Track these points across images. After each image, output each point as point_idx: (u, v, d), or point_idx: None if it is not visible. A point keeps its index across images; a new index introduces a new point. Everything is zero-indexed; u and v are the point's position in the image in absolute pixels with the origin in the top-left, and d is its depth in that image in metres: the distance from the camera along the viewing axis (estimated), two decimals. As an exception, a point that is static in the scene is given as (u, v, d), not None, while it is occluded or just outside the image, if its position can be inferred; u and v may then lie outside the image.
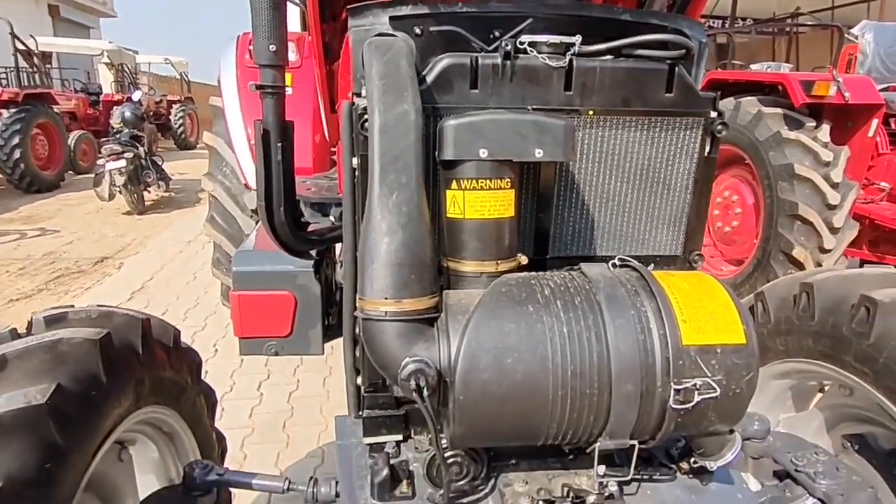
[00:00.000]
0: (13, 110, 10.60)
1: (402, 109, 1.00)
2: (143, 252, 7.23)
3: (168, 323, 1.84)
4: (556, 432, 0.98)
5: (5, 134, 10.25)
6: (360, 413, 1.44)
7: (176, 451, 1.95)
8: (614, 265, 1.09)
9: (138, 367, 1.54)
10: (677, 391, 0.93)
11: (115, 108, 11.68)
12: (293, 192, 2.00)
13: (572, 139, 1.05)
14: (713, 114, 1.27)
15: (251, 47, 1.85)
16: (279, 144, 1.88)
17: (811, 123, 4.24)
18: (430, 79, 1.14)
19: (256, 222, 3.62)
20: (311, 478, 1.80)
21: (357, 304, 1.05)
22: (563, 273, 1.08)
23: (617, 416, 0.95)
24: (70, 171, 12.43)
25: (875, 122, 4.22)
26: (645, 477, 1.14)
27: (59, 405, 1.18)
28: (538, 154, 1.02)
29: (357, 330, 1.37)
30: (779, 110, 4.34)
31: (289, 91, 3.53)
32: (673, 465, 1.24)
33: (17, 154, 10.33)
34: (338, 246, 2.72)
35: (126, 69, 17.17)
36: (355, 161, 1.22)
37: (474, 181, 1.03)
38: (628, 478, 1.06)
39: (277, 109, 1.85)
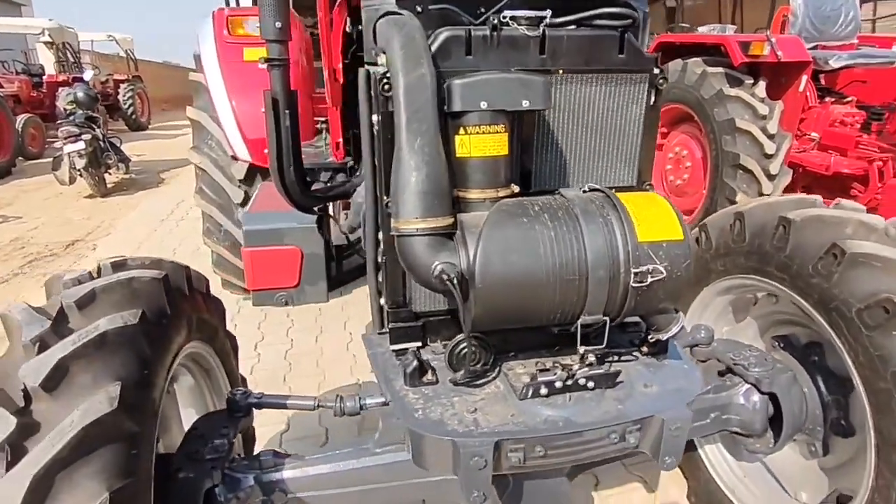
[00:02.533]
0: (-45, 95, 10.18)
1: (420, 73, 1.28)
2: (115, 233, 7.25)
3: (200, 273, 2.10)
4: (549, 312, 1.31)
5: (-50, 120, 9.87)
6: (384, 328, 1.76)
7: (211, 385, 2.23)
8: (584, 191, 1.42)
9: (186, 304, 1.80)
10: (636, 275, 1.27)
11: (60, 89, 11.32)
12: (300, 155, 2.26)
13: (549, 92, 1.36)
14: (656, 70, 1.60)
15: (258, 24, 2.07)
16: (287, 112, 2.13)
17: (749, 81, 4.68)
18: (433, 48, 1.42)
19: (246, 193, 3.83)
20: (338, 395, 2.12)
21: (392, 226, 1.35)
22: (547, 197, 1.40)
23: (593, 296, 1.29)
24: (20, 157, 12.04)
25: (804, 78, 4.68)
26: (615, 355, 1.50)
27: (146, 327, 1.46)
28: (525, 104, 1.33)
29: (379, 257, 1.67)
30: (721, 69, 4.76)
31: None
32: (634, 348, 1.60)
33: (-36, 141, 9.99)
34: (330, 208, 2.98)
35: (69, 48, 16.48)
36: (375, 118, 1.50)
37: (477, 127, 1.34)
38: (602, 348, 1.41)
39: (284, 80, 2.10)
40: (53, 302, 1.44)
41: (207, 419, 1.96)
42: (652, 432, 1.42)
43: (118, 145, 9.93)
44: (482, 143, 1.34)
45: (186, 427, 1.98)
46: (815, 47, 5.11)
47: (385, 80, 1.40)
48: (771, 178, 4.47)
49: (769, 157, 4.45)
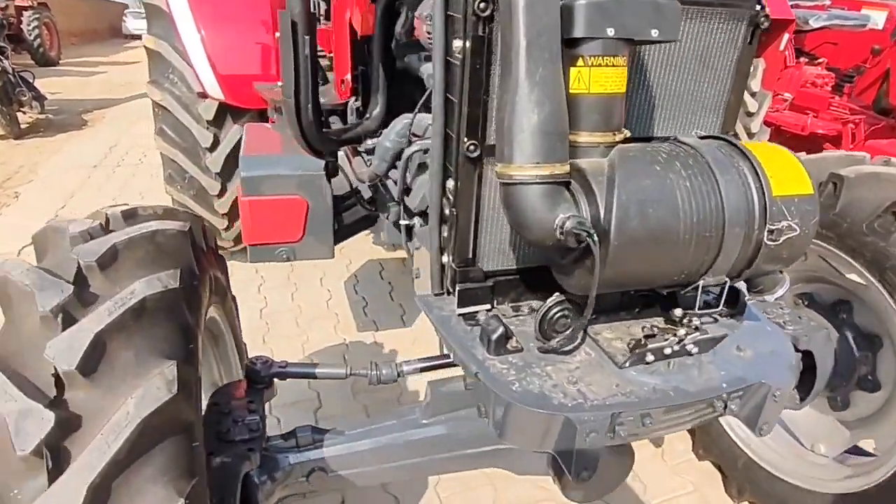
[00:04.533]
0: None
1: (545, -7, 1.06)
2: (38, 180, 6.46)
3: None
4: (678, 271, 1.17)
5: None
6: (443, 289, 1.57)
7: (219, 354, 1.97)
8: (699, 138, 1.27)
9: (206, 262, 1.53)
10: (770, 231, 1.15)
11: (-52, 18, 9.81)
12: (318, 92, 1.96)
13: (680, 21, 1.18)
14: (758, 7, 1.44)
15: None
16: (306, 37, 1.82)
17: (732, 37, 4.64)
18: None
19: (215, 135, 3.42)
20: (372, 362, 1.92)
21: (498, 171, 1.14)
22: (664, 144, 1.24)
23: (725, 254, 1.16)
24: None
25: (786, 37, 4.69)
26: (714, 315, 1.39)
27: (184, 291, 1.20)
28: (654, 34, 1.14)
29: (446, 210, 1.46)
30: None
31: None
32: (714, 309, 1.51)
33: None
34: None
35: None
36: (458, 43, 1.27)
37: (600, 58, 1.13)
38: (718, 310, 1.30)
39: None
40: (62, 260, 1.15)
41: (225, 393, 1.73)
42: (755, 399, 1.35)
43: (31, 81, 8.79)
44: (602, 78, 1.15)
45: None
46: (794, 6, 5.14)
47: (482, -2, 1.17)
48: (751, 136, 4.51)
49: (751, 115, 4.47)
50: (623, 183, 1.09)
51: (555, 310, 1.33)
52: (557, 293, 1.34)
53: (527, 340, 1.39)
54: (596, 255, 1.05)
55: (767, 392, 1.33)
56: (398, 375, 1.87)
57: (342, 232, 2.55)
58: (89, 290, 1.09)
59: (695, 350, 1.32)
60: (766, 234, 1.16)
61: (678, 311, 1.36)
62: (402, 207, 1.98)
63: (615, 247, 1.07)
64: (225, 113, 3.41)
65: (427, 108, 1.88)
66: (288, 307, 3.92)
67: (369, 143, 2.31)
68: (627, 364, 1.31)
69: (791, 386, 1.35)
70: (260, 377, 1.75)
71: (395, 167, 2.02)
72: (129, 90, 11.76)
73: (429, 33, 1.49)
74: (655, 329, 1.36)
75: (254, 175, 2.20)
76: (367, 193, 2.68)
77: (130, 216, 1.37)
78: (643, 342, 1.30)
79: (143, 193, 5.84)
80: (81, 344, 0.96)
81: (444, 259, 1.51)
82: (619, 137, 1.21)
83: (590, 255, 1.11)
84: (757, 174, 1.16)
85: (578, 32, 1.11)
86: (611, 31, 1.11)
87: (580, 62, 1.14)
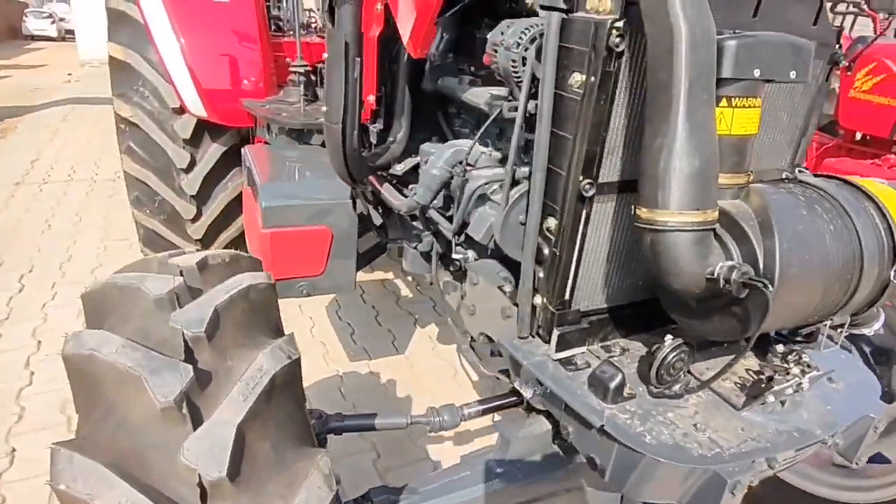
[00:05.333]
0: None
1: (708, 23, 1.02)
2: (-54, 198, 5.71)
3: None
4: (818, 313, 1.16)
5: None
6: (532, 332, 1.48)
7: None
8: (817, 176, 1.28)
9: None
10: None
11: None
12: (362, 115, 1.83)
13: (811, 63, 1.18)
14: (836, 46, 1.48)
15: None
16: (357, 59, 1.69)
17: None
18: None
19: (192, 155, 3.14)
20: (431, 408, 1.80)
21: (644, 216, 1.08)
22: (789, 185, 1.23)
23: (860, 294, 1.16)
24: None
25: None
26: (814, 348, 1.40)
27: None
28: (792, 76, 1.13)
29: (545, 250, 1.39)
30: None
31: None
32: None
33: None
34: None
35: None
36: (578, 77, 1.20)
37: (744, 99, 1.11)
38: (821, 349, 1.31)
39: (357, 18, 1.65)
40: (154, 330, 0.96)
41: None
42: (858, 432, 1.36)
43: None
44: (744, 119, 1.12)
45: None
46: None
47: (617, 30, 1.11)
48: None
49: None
50: (782, 228, 1.06)
51: (672, 354, 1.28)
52: (671, 336, 1.29)
53: (633, 384, 1.34)
54: (769, 304, 1.01)
55: (870, 424, 1.35)
56: (461, 419, 1.76)
57: (359, 262, 2.40)
58: (201, 369, 0.92)
59: (807, 388, 1.32)
60: (892, 273, 1.17)
61: (780, 348, 1.36)
62: (452, 240, 1.87)
63: (777, 291, 1.04)
64: (203, 131, 3.14)
65: (484, 136, 1.81)
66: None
67: (398, 168, 2.18)
68: (745, 406, 1.28)
69: (883, 415, 1.38)
70: (315, 435, 1.58)
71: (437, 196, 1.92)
72: (43, 96, 10.74)
73: (514, 63, 1.41)
74: (766, 368, 1.34)
75: (277, 205, 2.01)
76: (377, 220, 2.54)
77: (203, 267, 1.18)
78: (763, 383, 1.28)
79: (80, 214, 5.30)
80: (225, 443, 0.80)
81: (538, 301, 1.43)
82: (750, 178, 1.19)
83: (742, 302, 1.08)
84: (884, 215, 1.18)
85: (727, 73, 1.08)
86: (757, 73, 1.09)
87: (724, 103, 1.11)
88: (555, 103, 1.26)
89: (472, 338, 2.15)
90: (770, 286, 1.01)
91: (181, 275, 1.09)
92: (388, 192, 2.11)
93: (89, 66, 15.15)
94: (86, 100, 10.33)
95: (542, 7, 1.28)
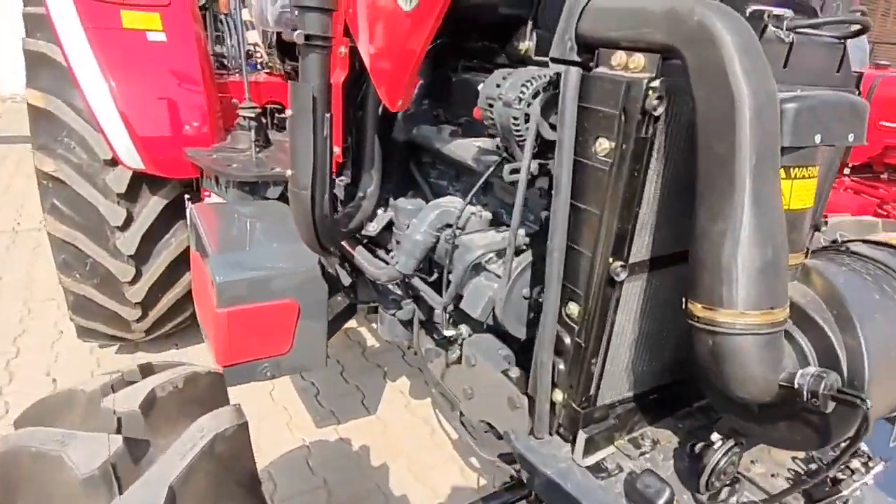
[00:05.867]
0: None
1: (771, 86, 0.85)
2: None
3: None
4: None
5: None
6: (552, 431, 1.27)
7: None
8: (860, 243, 1.13)
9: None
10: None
11: None
12: (333, 179, 1.59)
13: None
14: (857, 91, 1.37)
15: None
16: (327, 115, 1.46)
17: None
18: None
19: (129, 211, 2.80)
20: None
21: (703, 315, 0.89)
22: (842, 257, 1.08)
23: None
24: None
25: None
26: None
27: None
28: (850, 138, 0.98)
29: (565, 339, 1.18)
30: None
31: (162, 37, 2.79)
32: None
33: None
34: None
35: None
36: (606, 143, 1.01)
37: (803, 169, 0.95)
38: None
39: (325, 68, 1.42)
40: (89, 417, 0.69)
41: None
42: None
43: None
44: (803, 191, 0.97)
45: None
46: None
47: (654, 91, 0.93)
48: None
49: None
50: (863, 322, 0.90)
51: (724, 459, 1.09)
52: (721, 437, 1.11)
53: (676, 491, 1.14)
54: (868, 419, 0.83)
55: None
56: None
57: (329, 332, 2.13)
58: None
59: (871, 483, 1.16)
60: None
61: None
62: (442, 314, 1.64)
63: (870, 389, 0.87)
64: (140, 183, 2.81)
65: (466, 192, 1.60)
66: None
67: (371, 227, 1.95)
68: (810, 512, 1.11)
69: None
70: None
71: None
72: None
73: (515, 120, 1.22)
74: (820, 462, 1.18)
75: (235, 279, 1.73)
76: (346, 279, 2.29)
77: (149, 407, 0.91)
78: (827, 486, 1.10)
79: (-1, 270, 4.74)
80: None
81: (557, 397, 1.22)
82: (806, 256, 1.02)
83: (822, 412, 0.90)
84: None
85: (787, 140, 0.92)
86: (818, 138, 0.93)
87: (782, 174, 0.94)
88: (575, 172, 1.07)
89: (462, 411, 1.93)
90: (868, 401, 0.83)
91: (118, 429, 0.82)
92: (363, 259, 1.86)
93: (11, 101, 14.16)
94: (8, 138, 9.54)
95: (553, 60, 1.09)
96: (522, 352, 1.56)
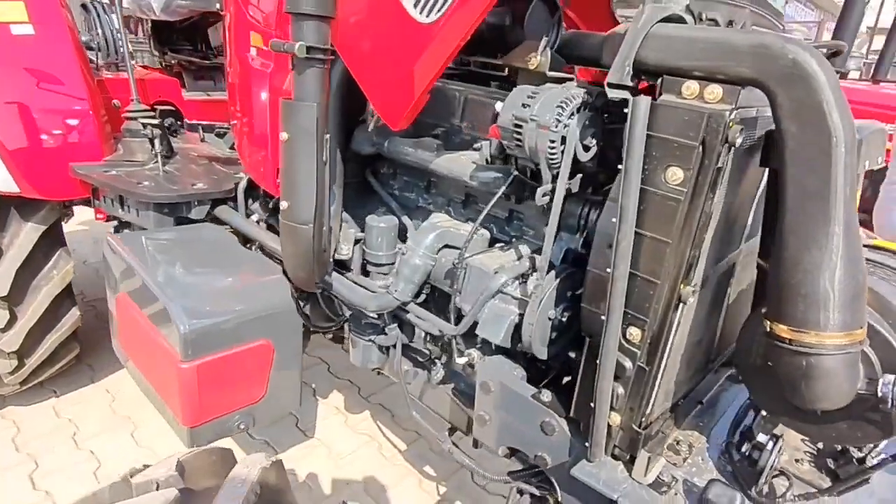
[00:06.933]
0: None
1: (853, 122, 0.90)
2: None
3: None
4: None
5: None
6: (607, 453, 1.27)
7: None
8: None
9: None
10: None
11: None
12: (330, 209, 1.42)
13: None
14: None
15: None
16: (327, 138, 1.29)
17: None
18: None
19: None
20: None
21: (794, 338, 0.94)
22: (877, 270, 1.20)
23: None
24: None
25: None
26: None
27: None
28: (879, 161, 1.09)
29: (626, 363, 1.18)
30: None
31: (28, 30, 2.38)
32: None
33: None
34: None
35: None
36: (679, 173, 1.01)
37: (855, 192, 1.03)
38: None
39: (326, 85, 1.25)
40: None
41: None
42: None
43: None
44: (851, 211, 1.05)
45: None
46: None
47: (736, 123, 0.95)
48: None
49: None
50: (917, 330, 1.00)
51: (776, 460, 1.18)
52: (768, 437, 1.19)
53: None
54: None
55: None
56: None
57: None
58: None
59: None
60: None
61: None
62: (452, 340, 1.56)
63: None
64: (8, 209, 2.29)
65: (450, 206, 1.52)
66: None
67: (343, 250, 1.78)
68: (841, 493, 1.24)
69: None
70: None
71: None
72: None
73: (552, 143, 1.17)
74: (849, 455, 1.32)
75: (202, 326, 1.47)
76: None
77: None
78: (849, 462, 1.24)
79: None
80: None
81: (615, 420, 1.22)
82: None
83: (885, 411, 1.00)
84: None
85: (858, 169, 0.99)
86: (867, 163, 1.02)
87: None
88: (642, 201, 1.06)
89: (450, 429, 1.87)
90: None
91: None
92: (343, 287, 1.69)
93: None
94: None
95: (611, 86, 1.06)
96: (530, 369, 1.54)
